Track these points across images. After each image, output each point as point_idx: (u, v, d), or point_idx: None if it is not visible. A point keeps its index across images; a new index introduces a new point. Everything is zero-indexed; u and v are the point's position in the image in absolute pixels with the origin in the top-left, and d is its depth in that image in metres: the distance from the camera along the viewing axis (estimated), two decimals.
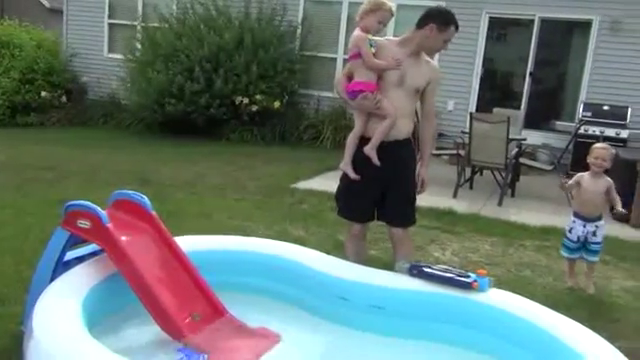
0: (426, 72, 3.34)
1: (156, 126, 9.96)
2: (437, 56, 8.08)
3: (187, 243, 3.15)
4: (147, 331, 2.77)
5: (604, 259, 4.67)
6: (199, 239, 3.39)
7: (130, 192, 3.04)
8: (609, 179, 3.96)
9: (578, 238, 3.98)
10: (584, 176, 4.01)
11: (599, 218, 3.98)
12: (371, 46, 3.24)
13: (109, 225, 2.74)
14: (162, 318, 2.73)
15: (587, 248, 3.98)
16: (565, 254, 4.07)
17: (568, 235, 4.03)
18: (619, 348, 2.50)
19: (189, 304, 2.87)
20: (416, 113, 3.53)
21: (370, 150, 3.29)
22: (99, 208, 2.77)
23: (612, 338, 2.75)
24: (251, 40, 9.41)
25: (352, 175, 3.37)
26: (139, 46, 10.29)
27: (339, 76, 3.49)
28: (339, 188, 3.56)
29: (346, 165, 3.40)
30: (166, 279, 2.87)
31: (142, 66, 9.68)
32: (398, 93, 3.28)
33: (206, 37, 9.35)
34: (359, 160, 3.35)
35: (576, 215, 4.02)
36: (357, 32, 3.29)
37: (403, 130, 3.33)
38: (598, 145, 4.08)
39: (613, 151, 4.02)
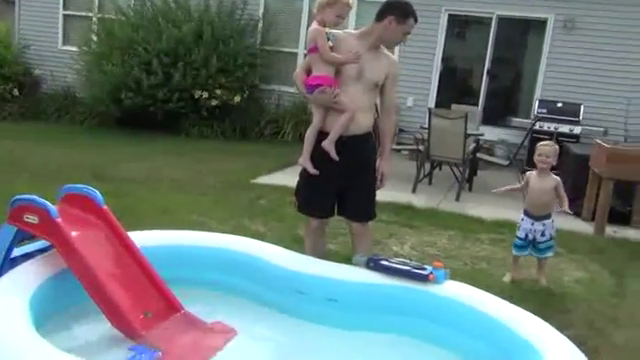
0: (385, 66, 3.33)
1: (113, 120, 9.75)
2: (397, 52, 8.16)
3: (142, 238, 3.08)
4: (99, 329, 2.70)
5: (556, 251, 4.79)
6: (154, 234, 3.32)
7: (81, 186, 2.95)
8: (556, 177, 3.97)
9: (526, 235, 3.98)
10: (532, 174, 4.02)
11: (547, 217, 3.97)
12: (328, 39, 3.22)
13: (58, 220, 2.65)
14: (114, 315, 2.66)
15: (535, 247, 4.00)
16: (514, 252, 4.08)
17: (517, 233, 4.05)
18: (569, 336, 2.57)
19: (143, 300, 2.80)
20: (376, 108, 3.53)
21: (328, 145, 3.27)
22: (48, 202, 2.68)
23: (562, 327, 2.82)
24: (211, 33, 9.29)
25: (311, 170, 3.35)
26: (95, 38, 10.03)
27: (298, 70, 3.46)
28: (298, 183, 3.54)
29: (305, 160, 3.37)
30: (118, 275, 2.80)
31: (98, 59, 9.45)
32: (357, 87, 3.26)
33: (164, 30, 9.19)
34: (318, 155, 3.32)
35: (525, 213, 4.03)
36: (314, 25, 3.27)
37: (362, 124, 3.32)
38: (542, 143, 4.09)
39: (557, 147, 4.00)
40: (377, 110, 3.62)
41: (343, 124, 3.25)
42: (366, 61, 3.24)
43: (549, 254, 4.02)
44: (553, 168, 8.04)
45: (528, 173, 4.06)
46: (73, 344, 2.53)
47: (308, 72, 3.34)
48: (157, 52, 9.11)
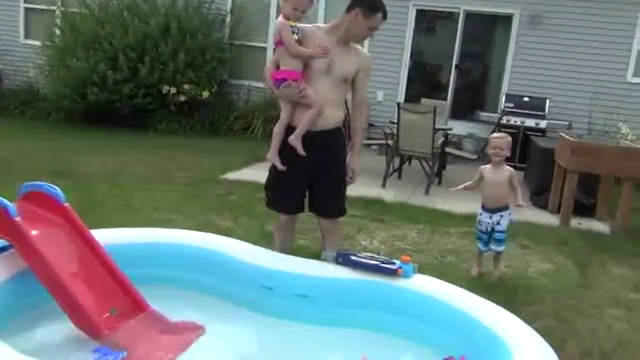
0: (355, 60, 3.27)
1: (78, 116, 9.54)
2: (366, 47, 8.18)
3: (106, 236, 3.02)
4: (62, 330, 2.63)
5: (523, 244, 4.87)
6: (119, 232, 3.25)
7: (41, 183, 2.86)
8: (511, 169, 3.96)
9: (486, 229, 3.98)
10: (486, 168, 4.00)
11: (505, 208, 3.97)
12: (294, 33, 3.17)
13: (17, 218, 2.57)
14: (77, 315, 2.60)
15: (493, 237, 3.98)
16: (478, 246, 4.08)
17: (478, 227, 4.04)
18: (535, 328, 2.60)
19: (107, 299, 2.74)
20: (346, 103, 3.50)
21: (294, 140, 3.24)
22: (5, 200, 2.60)
23: (529, 319, 2.86)
24: (178, 28, 9.16)
25: (279, 166, 3.32)
26: (58, 32, 9.79)
27: (268, 64, 3.40)
28: (268, 179, 3.49)
29: (273, 156, 3.33)
30: (81, 274, 2.74)
31: (61, 53, 9.22)
32: (325, 82, 3.21)
33: (130, 24, 9.02)
34: (286, 150, 3.28)
35: (482, 207, 4.02)
36: (279, 19, 3.23)
37: (331, 119, 3.27)
38: (495, 135, 4.09)
39: (509, 139, 3.98)
40: (347, 105, 3.58)
41: (309, 119, 3.21)
42: (335, 55, 3.20)
43: (502, 247, 4.00)
44: (521, 161, 8.21)
45: (482, 167, 4.03)
46: (35, 346, 2.46)
47: (278, 67, 3.29)
48: (123, 47, 8.94)
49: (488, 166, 3.99)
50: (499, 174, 3.93)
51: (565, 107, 8.96)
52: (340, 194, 3.43)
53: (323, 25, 3.39)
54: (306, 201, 3.46)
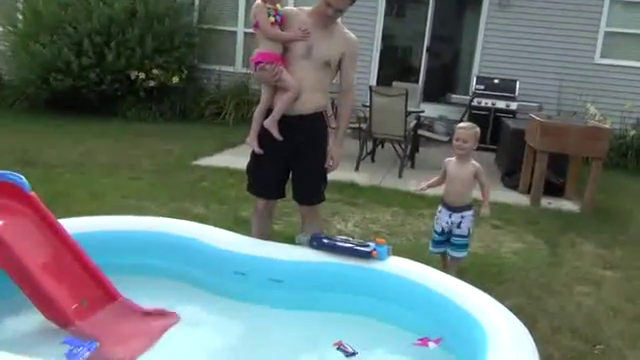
0: (339, 44, 3.17)
1: (42, 103, 9.28)
2: None
3: (74, 225, 2.95)
4: (32, 321, 2.59)
5: (494, 224, 4.93)
6: (87, 220, 3.18)
7: (5, 172, 2.77)
8: (477, 164, 3.50)
9: (442, 230, 3.51)
10: (451, 161, 3.55)
11: (466, 208, 3.49)
12: (270, 15, 3.10)
13: None
14: (46, 306, 2.55)
15: (450, 242, 3.52)
16: (430, 248, 3.64)
17: (434, 226, 3.59)
18: (507, 306, 2.63)
19: (77, 289, 2.69)
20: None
21: (269, 124, 3.19)
22: None
23: (501, 297, 2.90)
24: (145, 12, 8.95)
25: (256, 149, 3.28)
26: (20, 17, 9.49)
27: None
28: (248, 163, 3.43)
29: (252, 139, 3.28)
30: (49, 264, 2.67)
31: (24, 39, 8.94)
32: (304, 65, 3.13)
33: (95, 8, 8.77)
34: (264, 134, 3.22)
35: (442, 203, 3.56)
36: (257, 2, 3.16)
37: (309, 104, 3.19)
38: (460, 125, 3.59)
39: (477, 130, 3.51)
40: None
41: (285, 103, 3.15)
42: (317, 39, 3.11)
43: (463, 254, 3.54)
44: (492, 142, 8.28)
45: (447, 159, 3.58)
46: (4, 338, 2.41)
47: None
48: (88, 31, 8.70)
49: (453, 159, 3.55)
50: (463, 169, 3.48)
51: (535, 89, 9.06)
52: (317, 181, 3.35)
53: (307, 8, 3.26)
54: (284, 187, 3.42)
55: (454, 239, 3.50)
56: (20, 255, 2.52)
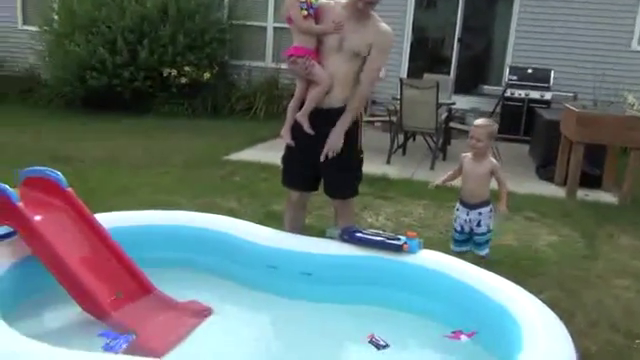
0: (369, 35, 3.09)
1: (79, 101, 9.49)
2: None
3: (109, 219, 3.02)
4: (68, 314, 2.65)
5: (528, 216, 4.85)
6: (122, 215, 3.25)
7: (43, 168, 2.85)
8: (494, 161, 3.42)
9: (462, 228, 3.43)
10: (467, 157, 3.46)
11: (484, 204, 3.40)
12: (303, 8, 3.10)
13: (19, 204, 2.57)
14: (83, 299, 2.61)
15: (473, 240, 3.45)
16: (452, 247, 3.51)
17: (454, 224, 3.52)
18: (542, 300, 2.59)
19: (112, 282, 2.75)
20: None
21: (301, 117, 3.20)
22: (7, 186, 2.59)
23: (536, 291, 2.85)
24: (176, 9, 9.05)
25: (287, 141, 3.31)
26: (56, 17, 9.70)
27: None
28: (283, 155, 3.45)
29: (285, 131, 3.31)
30: (86, 258, 2.74)
31: (60, 38, 9.15)
32: (337, 58, 3.12)
33: (128, 6, 8.92)
34: (297, 127, 3.24)
35: (460, 201, 3.48)
36: None
37: (340, 97, 3.17)
38: (476, 122, 3.47)
39: (492, 128, 3.40)
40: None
41: (315, 96, 3.15)
42: (349, 31, 3.09)
43: (486, 250, 3.45)
44: (526, 134, 8.12)
45: (463, 155, 3.49)
46: (42, 330, 2.48)
47: None
48: (121, 30, 8.85)
49: (469, 155, 3.45)
50: (477, 166, 3.39)
51: (570, 78, 8.84)
52: (347, 175, 3.32)
53: (343, 0, 3.21)
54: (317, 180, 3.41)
55: (476, 238, 3.43)
56: (58, 249, 2.59)
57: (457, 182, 3.58)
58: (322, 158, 3.19)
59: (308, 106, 3.18)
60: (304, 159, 3.31)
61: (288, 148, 3.36)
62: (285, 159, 3.43)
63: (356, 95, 3.19)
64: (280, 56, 9.89)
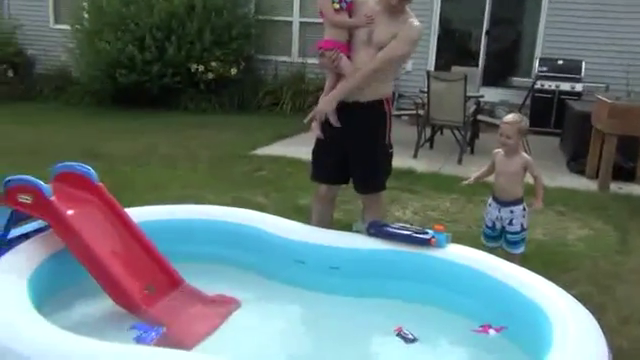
0: (394, 28, 3.09)
1: (109, 98, 9.65)
2: None
3: (139, 214, 3.07)
4: (100, 307, 2.70)
5: (559, 210, 4.77)
6: (152, 209, 3.30)
7: (74, 164, 2.91)
8: (526, 156, 3.31)
9: (493, 224, 3.35)
10: (499, 153, 3.37)
11: (516, 202, 3.30)
12: (334, 2, 3.13)
13: (52, 199, 2.62)
14: (115, 292, 2.65)
15: (505, 238, 3.35)
16: (483, 242, 3.44)
17: (485, 219, 3.44)
18: (574, 295, 2.54)
19: (143, 276, 2.79)
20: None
21: (325, 105, 3.22)
22: (41, 181, 2.65)
23: (567, 286, 2.80)
24: (203, 5, 9.12)
25: (316, 132, 3.33)
26: (86, 15, 9.86)
27: None
28: (312, 149, 3.47)
29: (315, 124, 3.34)
30: (117, 251, 2.79)
31: (90, 36, 9.30)
32: (367, 52, 3.13)
33: (155, 3, 9.02)
34: (326, 121, 3.25)
35: (492, 196, 3.40)
36: None
37: (367, 92, 3.16)
38: (505, 118, 3.36)
39: (522, 125, 3.27)
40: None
41: (341, 89, 3.16)
42: (378, 24, 3.10)
43: (520, 249, 3.35)
44: (556, 126, 7.97)
45: (495, 151, 3.39)
46: (75, 322, 2.52)
47: None
48: (149, 27, 8.96)
49: (501, 151, 3.35)
50: (509, 163, 3.29)
51: (602, 69, 8.64)
52: (374, 170, 3.31)
53: None
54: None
55: (508, 236, 3.32)
56: (90, 243, 2.63)
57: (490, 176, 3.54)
58: (305, 120, 3.29)
59: (333, 95, 3.18)
60: (331, 153, 3.32)
61: (317, 142, 3.39)
62: (314, 153, 3.44)
63: (369, 64, 3.11)
64: (306, 51, 9.92)
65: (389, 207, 4.72)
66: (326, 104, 3.22)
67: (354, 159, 3.29)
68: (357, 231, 3.06)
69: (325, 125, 3.27)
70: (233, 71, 9.40)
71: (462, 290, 2.78)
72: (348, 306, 2.86)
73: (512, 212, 3.29)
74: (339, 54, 3.13)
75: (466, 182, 3.59)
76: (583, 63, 8.59)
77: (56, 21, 11.26)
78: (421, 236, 2.89)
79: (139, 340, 2.47)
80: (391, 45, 3.10)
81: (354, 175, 3.35)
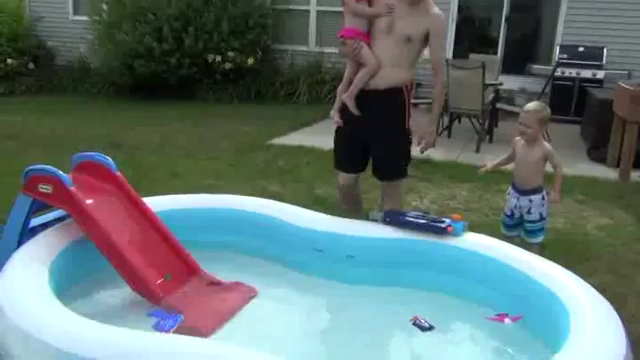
0: (422, 20, 3.12)
1: (127, 89, 9.73)
2: None
3: (157, 203, 3.10)
4: (119, 294, 2.74)
5: (579, 199, 4.71)
6: (170, 198, 3.34)
7: (93, 153, 2.95)
8: (547, 146, 3.24)
9: (512, 212, 3.32)
10: (519, 142, 3.32)
11: (535, 191, 3.25)
12: None
13: (72, 188, 2.66)
14: (134, 280, 2.69)
15: (524, 227, 3.32)
16: (502, 231, 3.40)
17: (504, 208, 3.43)
18: (592, 284, 2.52)
19: (162, 264, 2.83)
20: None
21: (346, 97, 3.23)
22: (60, 171, 2.68)
23: (586, 275, 2.77)
24: None
25: (336, 120, 3.35)
26: (105, 7, 9.93)
27: None
28: (334, 139, 3.49)
29: (334, 112, 3.36)
30: (136, 240, 2.82)
31: (109, 28, 9.37)
32: (386, 41, 3.14)
33: None
34: (346, 109, 3.28)
35: (512, 185, 3.37)
36: None
37: (387, 79, 3.18)
38: (526, 107, 3.32)
39: (543, 114, 3.21)
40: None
41: (362, 78, 3.18)
42: (400, 14, 3.11)
43: (539, 239, 3.30)
44: (577, 114, 7.84)
45: (516, 139, 3.35)
46: (94, 310, 2.56)
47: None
48: (167, 17, 9.00)
49: (522, 140, 3.31)
50: (529, 152, 3.25)
51: (624, 55, 8.47)
52: (394, 157, 3.32)
53: None
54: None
55: (527, 225, 3.29)
56: (109, 232, 2.67)
57: (508, 165, 3.51)
58: (418, 151, 3.38)
59: (354, 87, 3.21)
60: (351, 140, 3.35)
61: (337, 130, 3.41)
62: (335, 141, 3.47)
63: (437, 82, 3.33)
64: (323, 40, 9.88)
65: (406, 196, 4.70)
66: (429, 128, 3.42)
67: (378, 147, 3.30)
68: (374, 220, 3.06)
69: (346, 114, 3.29)
70: (250, 61, 9.40)
71: (479, 279, 2.77)
72: (364, 294, 2.86)
73: (531, 201, 3.25)
74: (360, 43, 3.14)
75: (482, 169, 3.56)
76: (605, 49, 8.43)
77: (75, 13, 11.35)
78: (438, 224, 2.88)
79: (158, 328, 2.50)
80: (436, 47, 3.23)
81: (377, 162, 3.36)
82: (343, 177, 3.44)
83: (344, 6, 3.20)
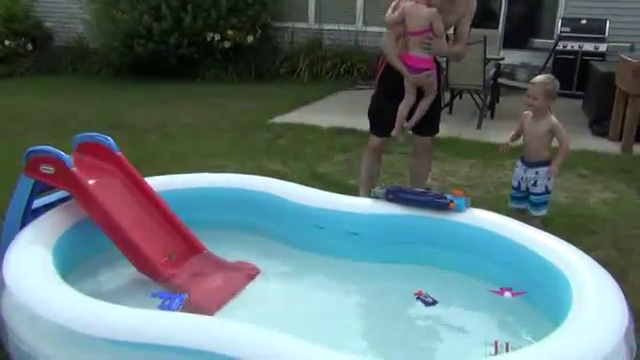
0: (459, 9, 3.44)
1: (126, 69, 9.66)
2: None
3: (159, 183, 3.10)
4: (123, 274, 2.76)
5: (582, 173, 4.71)
6: (171, 178, 3.33)
7: (94, 134, 2.94)
8: (553, 120, 3.25)
9: (519, 184, 3.36)
10: (528, 115, 3.36)
11: (542, 164, 3.28)
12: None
13: (74, 169, 2.65)
14: (137, 259, 2.70)
15: (529, 200, 3.35)
16: (510, 204, 3.47)
17: (512, 180, 3.47)
18: (595, 258, 2.52)
19: (165, 243, 2.84)
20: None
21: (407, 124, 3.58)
22: (62, 152, 2.68)
23: (589, 249, 2.78)
24: None
25: (396, 135, 3.59)
26: None
27: (387, 38, 3.51)
28: (369, 107, 3.71)
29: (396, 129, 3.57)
30: (138, 219, 2.83)
31: (106, 7, 9.27)
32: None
33: None
34: (388, 74, 3.52)
35: (520, 158, 3.41)
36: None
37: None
38: (534, 79, 3.35)
39: (551, 86, 3.23)
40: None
41: (424, 109, 3.51)
42: (444, 12, 3.34)
43: (542, 212, 3.34)
44: (579, 88, 7.80)
45: (525, 112, 3.39)
46: (99, 289, 2.59)
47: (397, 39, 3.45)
48: None
49: (530, 113, 3.36)
50: (537, 125, 3.28)
51: (627, 27, 8.37)
52: (437, 113, 3.70)
53: None
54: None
55: (532, 197, 3.33)
56: (111, 212, 2.67)
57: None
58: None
59: (417, 118, 3.51)
60: (393, 105, 3.51)
61: (377, 98, 3.64)
62: (374, 112, 3.66)
63: (457, 47, 3.60)
64: (323, 17, 9.78)
65: (408, 173, 4.70)
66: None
67: (424, 103, 3.52)
68: (376, 197, 3.05)
69: (390, 81, 3.51)
70: (249, 39, 9.32)
71: (481, 254, 2.77)
72: (367, 271, 2.88)
73: (537, 173, 3.29)
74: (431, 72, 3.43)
75: (503, 147, 3.54)
76: (607, 22, 8.33)
77: None
78: (440, 200, 2.88)
79: (164, 307, 2.52)
80: (465, 23, 3.51)
81: (421, 120, 3.56)
82: (377, 142, 3.68)
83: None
